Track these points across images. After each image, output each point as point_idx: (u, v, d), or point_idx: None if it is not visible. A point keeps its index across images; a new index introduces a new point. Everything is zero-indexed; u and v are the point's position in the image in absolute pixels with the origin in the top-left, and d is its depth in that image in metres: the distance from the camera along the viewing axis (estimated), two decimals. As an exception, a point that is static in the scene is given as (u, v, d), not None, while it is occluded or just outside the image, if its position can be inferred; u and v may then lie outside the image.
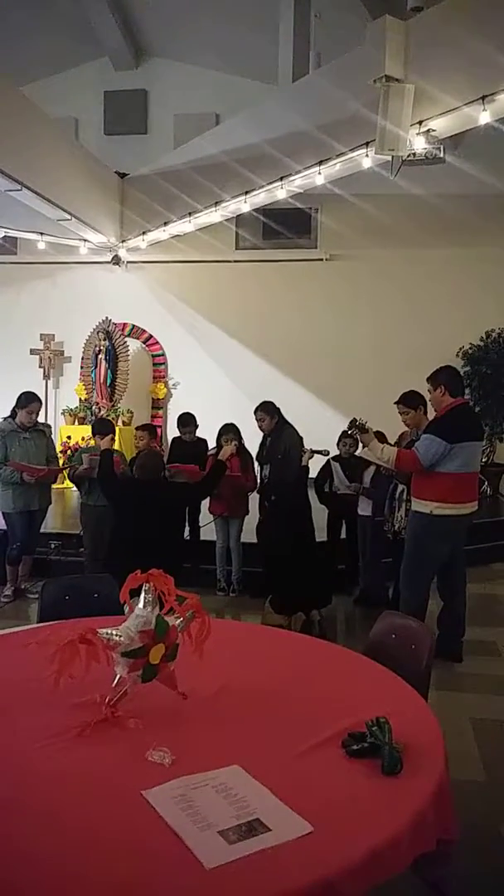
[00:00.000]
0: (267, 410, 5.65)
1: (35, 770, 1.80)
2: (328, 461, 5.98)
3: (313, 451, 5.46)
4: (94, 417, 9.85)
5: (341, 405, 9.21)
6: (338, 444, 6.02)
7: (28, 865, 1.46)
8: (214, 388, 10.51)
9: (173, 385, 11.32)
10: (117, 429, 6.71)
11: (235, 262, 10.87)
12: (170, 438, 7.73)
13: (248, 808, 1.61)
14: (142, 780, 1.72)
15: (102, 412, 10.06)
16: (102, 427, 5.55)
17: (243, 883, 1.41)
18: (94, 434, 5.70)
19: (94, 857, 1.48)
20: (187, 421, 6.64)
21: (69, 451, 9.03)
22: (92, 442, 6.37)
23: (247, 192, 8.10)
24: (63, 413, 10.78)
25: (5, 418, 5.86)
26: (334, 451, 5.98)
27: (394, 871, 1.54)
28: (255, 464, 5.92)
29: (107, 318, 10.49)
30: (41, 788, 1.72)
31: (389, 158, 6.70)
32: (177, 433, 6.82)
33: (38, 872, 1.44)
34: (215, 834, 1.53)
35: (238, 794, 1.67)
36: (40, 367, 11.16)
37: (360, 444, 4.93)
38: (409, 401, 5.03)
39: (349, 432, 5.27)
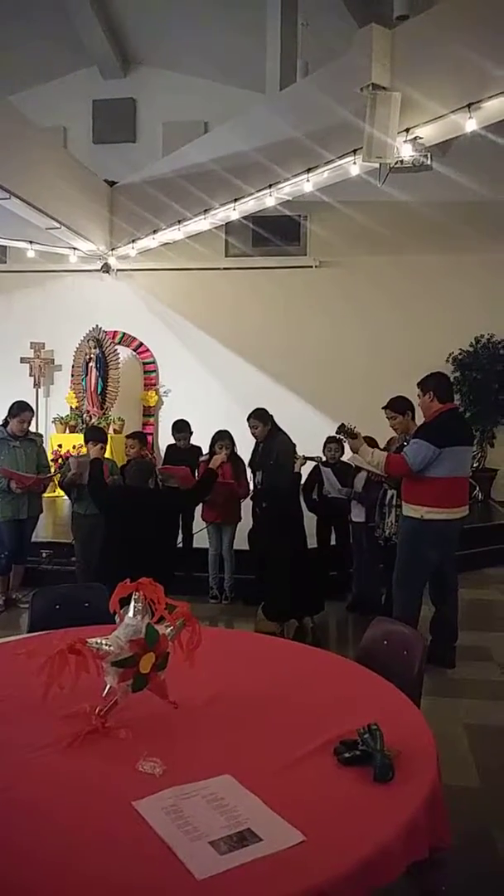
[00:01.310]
0: (260, 417, 5.64)
1: (24, 781, 1.78)
2: (317, 466, 5.96)
3: (306, 458, 5.45)
4: (84, 426, 9.83)
5: (332, 411, 9.19)
6: (323, 449, 6.02)
7: (16, 877, 1.44)
8: (205, 395, 10.52)
9: (164, 392, 11.31)
10: (109, 437, 6.68)
11: (225, 269, 10.91)
12: (161, 446, 7.72)
13: (239, 818, 1.60)
14: (132, 791, 1.70)
15: (93, 420, 10.04)
16: (94, 434, 5.51)
17: (235, 893, 1.40)
18: (86, 441, 5.67)
19: (84, 869, 1.46)
20: (182, 427, 6.64)
21: (60, 460, 9.00)
22: (83, 450, 6.34)
23: (236, 200, 8.13)
24: (54, 421, 10.77)
25: (-3, 426, 5.85)
26: (323, 457, 5.98)
27: (386, 880, 1.53)
28: (248, 470, 5.91)
29: (97, 325, 10.49)
30: (31, 800, 1.70)
31: (377, 166, 6.73)
32: (169, 440, 6.82)
33: (27, 883, 1.42)
34: (206, 844, 1.52)
35: (229, 804, 1.65)
36: (30, 375, 11.15)
37: (350, 450, 4.94)
38: (397, 406, 5.05)
39: (337, 436, 5.27)
